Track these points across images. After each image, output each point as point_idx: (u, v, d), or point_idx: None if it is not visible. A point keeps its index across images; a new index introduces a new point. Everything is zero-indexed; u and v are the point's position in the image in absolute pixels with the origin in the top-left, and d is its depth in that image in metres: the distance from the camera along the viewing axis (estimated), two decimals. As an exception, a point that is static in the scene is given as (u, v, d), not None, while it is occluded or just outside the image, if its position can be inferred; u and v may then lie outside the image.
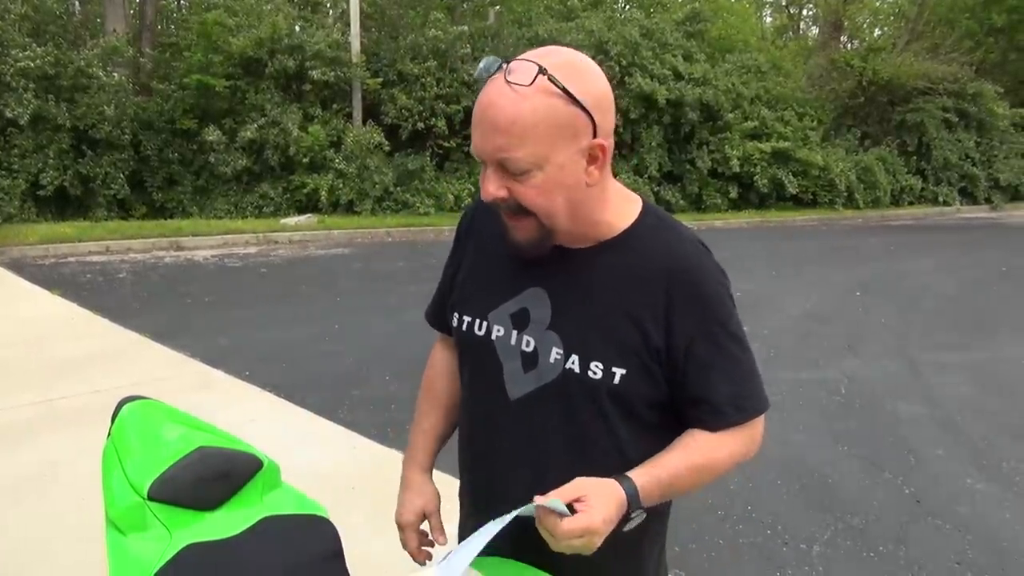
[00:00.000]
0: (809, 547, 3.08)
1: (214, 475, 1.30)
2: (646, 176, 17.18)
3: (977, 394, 5.09)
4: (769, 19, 36.18)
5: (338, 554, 1.30)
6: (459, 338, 1.27)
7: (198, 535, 1.24)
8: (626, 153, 17.48)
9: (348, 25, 15.79)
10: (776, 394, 4.84)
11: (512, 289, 1.17)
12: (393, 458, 3.72)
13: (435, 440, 1.43)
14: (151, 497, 1.24)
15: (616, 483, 1.05)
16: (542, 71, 0.98)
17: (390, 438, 3.97)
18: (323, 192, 14.13)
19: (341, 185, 14.37)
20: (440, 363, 1.44)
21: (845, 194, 19.29)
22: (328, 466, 3.60)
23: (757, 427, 1.16)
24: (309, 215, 13.79)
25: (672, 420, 1.15)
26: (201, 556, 1.22)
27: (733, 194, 18.05)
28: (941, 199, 22.04)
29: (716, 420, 1.12)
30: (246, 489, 1.34)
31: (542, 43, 17.64)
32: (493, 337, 1.18)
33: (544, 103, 0.99)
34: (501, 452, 1.23)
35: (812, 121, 20.16)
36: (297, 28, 15.61)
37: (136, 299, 7.63)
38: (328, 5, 19.34)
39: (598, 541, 1.00)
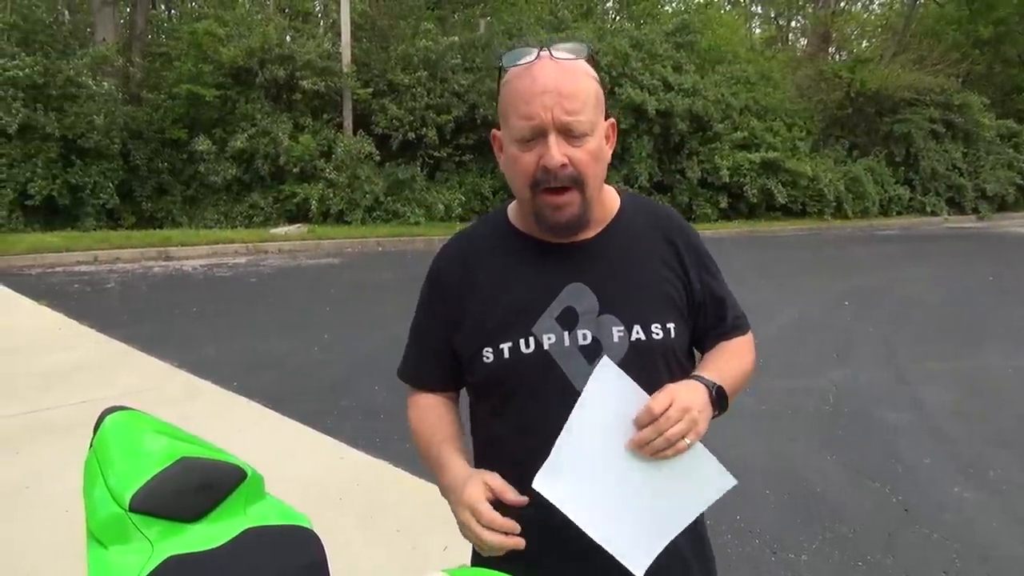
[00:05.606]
0: (797, 556, 3.08)
1: (197, 486, 1.29)
2: (636, 186, 17.23)
3: (964, 402, 5.11)
4: (758, 30, 36.49)
5: (321, 564, 1.29)
6: (501, 369, 1.19)
7: (180, 547, 1.23)
8: (616, 163, 17.54)
9: (339, 35, 15.83)
10: (766, 403, 4.84)
11: (546, 296, 1.19)
12: (380, 468, 3.71)
13: (461, 446, 1.28)
14: (133, 508, 1.23)
15: (692, 380, 1.17)
16: (590, 52, 1.15)
17: (378, 448, 3.96)
18: (313, 202, 14.13)
19: (331, 195, 14.37)
20: (429, 401, 1.35)
21: (834, 204, 19.41)
22: (316, 477, 3.59)
23: (752, 341, 1.37)
24: (299, 225, 13.78)
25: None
26: (183, 568, 1.21)
27: (723, 204, 18.14)
28: (929, 209, 22.19)
29: (732, 336, 1.31)
30: (229, 500, 1.33)
31: (532, 54, 17.71)
32: (546, 347, 1.17)
33: (590, 77, 1.13)
34: None
35: (801, 131, 20.30)
36: (288, 38, 15.65)
37: (124, 309, 7.59)
38: (319, 15, 19.38)
39: (701, 421, 1.10)
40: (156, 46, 17.60)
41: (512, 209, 1.29)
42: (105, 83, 14.16)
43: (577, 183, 1.12)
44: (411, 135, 15.14)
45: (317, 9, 19.77)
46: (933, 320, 7.83)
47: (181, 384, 4.99)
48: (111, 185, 13.74)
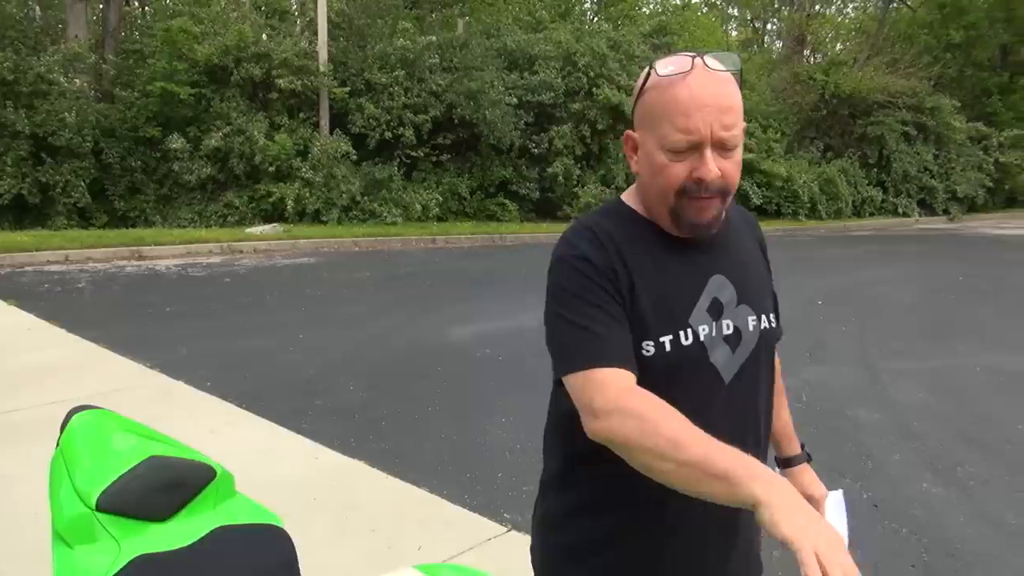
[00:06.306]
0: (769, 552, 3.11)
1: (165, 485, 1.29)
2: (613, 187, 17.31)
3: (933, 400, 5.19)
4: (734, 32, 36.78)
5: (291, 562, 1.29)
6: (661, 362, 1.15)
7: (149, 546, 1.22)
8: (593, 164, 17.60)
9: (315, 34, 15.74)
10: (739, 402, 4.88)
11: (696, 288, 1.21)
12: (356, 468, 3.70)
13: None
14: (100, 508, 1.22)
15: (816, 481, 1.44)
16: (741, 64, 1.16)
17: (353, 448, 3.94)
18: (289, 201, 14.03)
19: (308, 194, 14.28)
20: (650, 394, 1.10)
21: (808, 205, 19.63)
22: (290, 476, 3.57)
23: None
24: (275, 224, 13.69)
25: None
26: (151, 567, 1.20)
27: (699, 205, 18.26)
28: (901, 210, 22.52)
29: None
30: (199, 499, 1.33)
31: (510, 54, 17.82)
32: (702, 338, 1.19)
33: (737, 87, 1.14)
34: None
35: (776, 133, 20.51)
36: (264, 36, 15.53)
37: (95, 309, 7.49)
38: (296, 14, 19.25)
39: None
40: (130, 43, 17.38)
41: (634, 204, 1.26)
42: (77, 80, 13.97)
43: (724, 193, 1.15)
44: (388, 135, 15.09)
45: (293, 7, 19.63)
46: (904, 319, 7.95)
47: (154, 384, 4.94)
48: (83, 184, 13.55)
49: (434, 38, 16.13)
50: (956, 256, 14.34)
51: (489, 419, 4.51)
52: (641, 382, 1.13)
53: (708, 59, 1.12)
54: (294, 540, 1.35)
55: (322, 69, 15.10)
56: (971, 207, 24.52)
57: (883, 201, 22.33)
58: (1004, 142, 24.88)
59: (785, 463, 1.47)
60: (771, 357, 1.31)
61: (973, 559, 3.10)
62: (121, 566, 1.18)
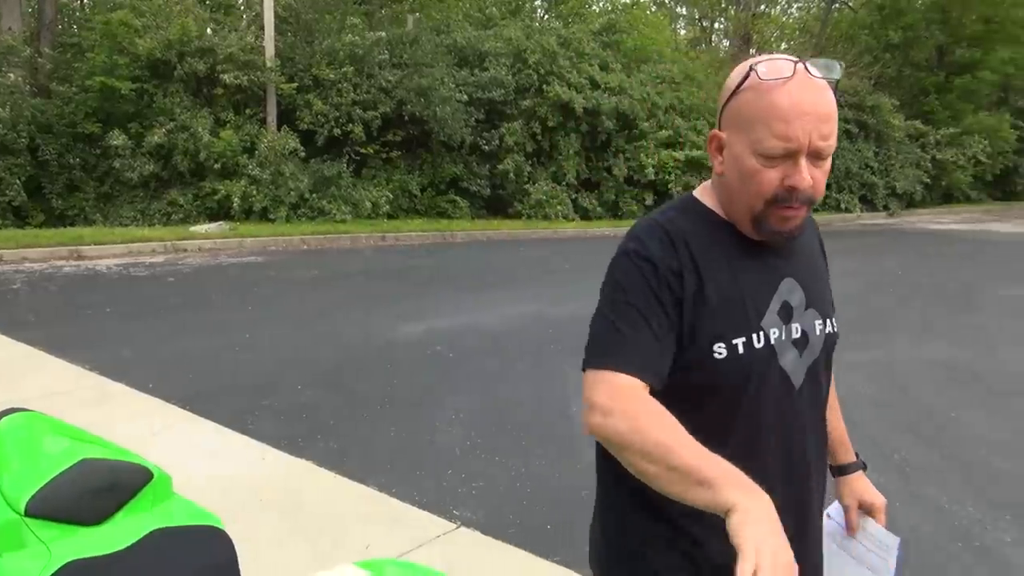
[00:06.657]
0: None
1: (99, 488, 1.25)
2: (564, 183, 17.39)
3: (874, 391, 5.35)
4: (683, 31, 37.23)
5: (230, 563, 1.27)
6: (733, 364, 1.14)
7: (81, 551, 1.19)
8: (544, 161, 17.66)
9: (262, 29, 15.45)
10: (687, 395, 4.95)
11: (768, 290, 1.20)
12: (303, 468, 3.66)
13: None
14: (29, 513, 1.18)
15: (872, 489, 1.46)
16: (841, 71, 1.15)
17: (300, 448, 3.90)
18: (235, 199, 13.76)
19: (254, 192, 14.03)
20: (647, 394, 1.09)
21: (754, 201, 19.96)
22: (237, 477, 3.51)
23: None
24: (220, 223, 13.41)
25: None
26: (84, 573, 1.17)
27: (648, 201, 18.45)
28: (843, 206, 23.08)
29: None
30: (134, 502, 1.29)
31: (460, 50, 17.77)
32: (772, 341, 1.18)
33: (833, 95, 1.13)
34: (789, 445, 1.22)
35: (723, 131, 20.80)
36: (208, 30, 15.21)
37: (31, 310, 7.26)
38: (241, 8, 18.90)
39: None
40: (67, 36, 16.84)
41: (710, 203, 1.23)
42: (11, 74, 13.50)
43: (810, 202, 1.13)
44: (337, 131, 14.91)
45: (239, 1, 19.27)
46: (846, 312, 8.12)
47: (92, 387, 4.80)
48: (18, 181, 13.10)
49: (383, 34, 15.98)
50: (896, 250, 14.76)
51: (439, 416, 4.50)
52: (715, 387, 1.15)
53: (810, 64, 1.10)
54: (240, 541, 1.33)
55: (269, 64, 14.83)
56: (910, 203, 25.24)
57: (826, 197, 22.86)
58: (941, 140, 25.67)
59: (840, 471, 1.46)
60: (831, 362, 1.31)
61: (910, 542, 3.20)
62: (52, 572, 1.15)
